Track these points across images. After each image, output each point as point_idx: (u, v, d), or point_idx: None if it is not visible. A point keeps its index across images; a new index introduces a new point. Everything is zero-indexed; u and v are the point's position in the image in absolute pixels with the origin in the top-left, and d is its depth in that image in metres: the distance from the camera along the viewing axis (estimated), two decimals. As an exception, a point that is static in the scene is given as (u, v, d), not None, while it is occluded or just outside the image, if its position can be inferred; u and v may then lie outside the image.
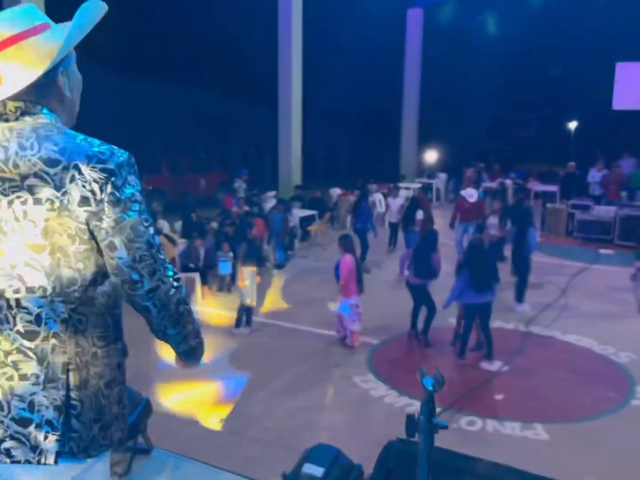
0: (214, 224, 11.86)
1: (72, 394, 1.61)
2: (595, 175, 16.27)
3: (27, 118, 1.65)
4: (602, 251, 13.38)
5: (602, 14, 25.50)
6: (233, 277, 10.04)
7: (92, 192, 1.56)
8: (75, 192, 1.56)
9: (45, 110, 1.69)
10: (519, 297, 9.30)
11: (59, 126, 1.67)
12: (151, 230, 1.67)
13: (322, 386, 6.69)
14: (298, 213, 13.74)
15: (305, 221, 14.07)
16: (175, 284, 1.71)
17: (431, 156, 24.21)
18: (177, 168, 19.23)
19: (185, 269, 9.79)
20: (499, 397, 6.43)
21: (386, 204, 14.72)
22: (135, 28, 20.32)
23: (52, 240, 1.57)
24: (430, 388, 1.38)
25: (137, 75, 17.37)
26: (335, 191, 17.19)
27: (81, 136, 1.65)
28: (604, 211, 14.03)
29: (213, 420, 5.92)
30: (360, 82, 24.40)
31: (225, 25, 21.13)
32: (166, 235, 10.43)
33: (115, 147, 1.65)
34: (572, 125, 33.39)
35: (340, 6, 22.41)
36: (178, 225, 11.96)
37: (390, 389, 6.62)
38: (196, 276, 9.70)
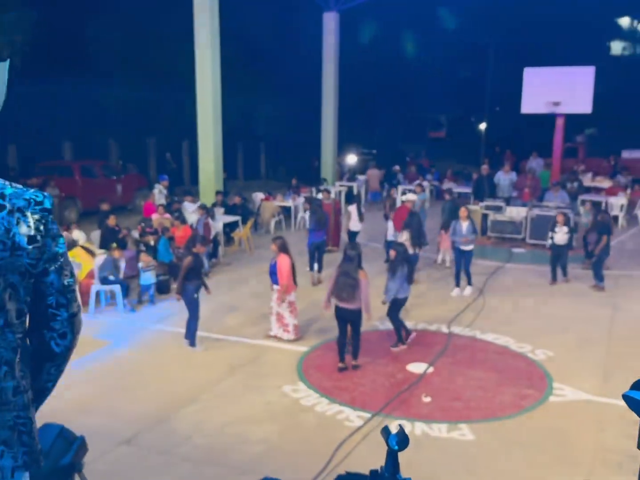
0: (135, 233, 11.53)
1: (22, 414, 1.78)
2: (502, 177, 16.70)
3: None
4: (515, 250, 14.02)
5: (512, 20, 26.71)
6: (162, 286, 9.82)
7: (38, 229, 1.76)
8: (23, 231, 1.73)
9: None
10: (470, 282, 10.62)
11: None
12: (72, 264, 1.94)
13: (253, 398, 6.65)
14: (221, 219, 13.55)
15: (229, 227, 13.93)
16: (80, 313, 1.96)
17: (351, 159, 24.53)
18: (90, 172, 18.05)
19: (104, 281, 9.46)
20: (425, 399, 6.60)
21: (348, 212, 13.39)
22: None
23: (4, 278, 1.70)
24: (396, 447, 1.42)
25: (36, 74, 16.12)
26: (258, 196, 17.05)
27: (6, 181, 1.79)
28: (516, 212, 14.70)
29: (141, 439, 5.77)
30: (279, 84, 24.43)
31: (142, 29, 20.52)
32: (83, 247, 10.04)
33: (37, 190, 1.84)
34: (482, 126, 34.74)
35: (257, 8, 22.36)
36: (95, 235, 11.54)
37: (321, 397, 6.68)
38: (117, 288, 9.39)
